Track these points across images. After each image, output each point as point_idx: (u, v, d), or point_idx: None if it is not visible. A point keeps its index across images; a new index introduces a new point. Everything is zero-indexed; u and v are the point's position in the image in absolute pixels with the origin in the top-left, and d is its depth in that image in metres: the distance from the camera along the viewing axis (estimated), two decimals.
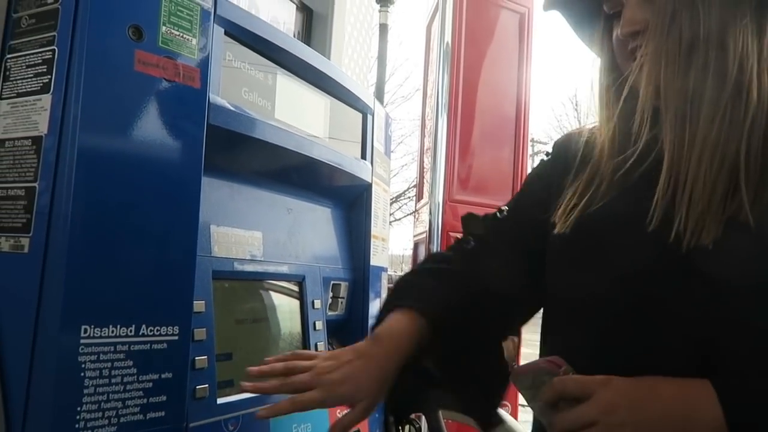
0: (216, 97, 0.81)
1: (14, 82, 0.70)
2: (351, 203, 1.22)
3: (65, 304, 0.61)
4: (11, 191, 0.67)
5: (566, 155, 0.79)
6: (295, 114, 1.00)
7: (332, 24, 2.15)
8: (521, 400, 2.38)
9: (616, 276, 0.67)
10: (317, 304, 1.03)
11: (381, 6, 2.47)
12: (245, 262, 0.89)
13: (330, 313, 1.11)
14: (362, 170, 1.19)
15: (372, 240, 1.22)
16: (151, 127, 0.71)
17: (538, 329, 0.81)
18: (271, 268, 0.94)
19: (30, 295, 0.62)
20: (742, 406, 0.56)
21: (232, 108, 0.83)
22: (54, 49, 0.67)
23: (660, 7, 0.64)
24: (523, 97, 2.61)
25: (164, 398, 0.70)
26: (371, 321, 1.18)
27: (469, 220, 0.89)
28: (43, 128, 0.66)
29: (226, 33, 0.84)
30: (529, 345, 1.05)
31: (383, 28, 2.45)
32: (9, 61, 0.71)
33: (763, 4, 0.63)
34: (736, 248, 0.60)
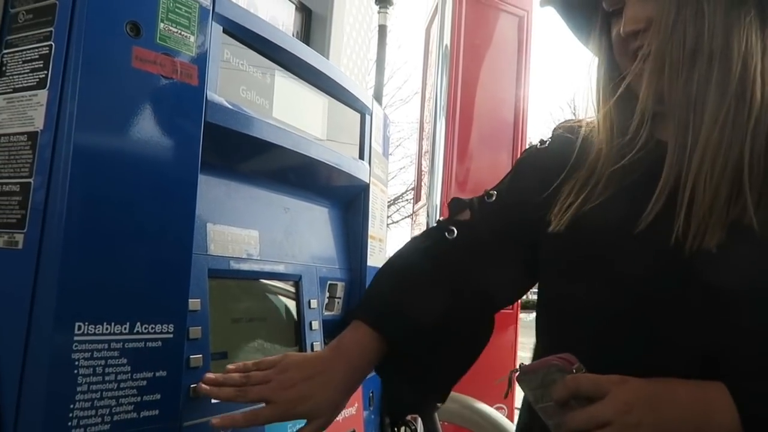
0: (213, 94, 0.81)
1: (10, 77, 0.69)
2: (348, 203, 1.22)
3: (59, 301, 0.61)
4: (6, 187, 0.66)
5: (563, 149, 0.78)
6: (293, 113, 1.00)
7: (331, 25, 2.15)
8: (518, 403, 2.37)
9: (615, 280, 0.66)
10: (313, 303, 1.03)
11: (380, 7, 2.47)
12: (241, 261, 0.89)
13: (326, 313, 1.11)
14: (360, 170, 1.19)
15: (369, 240, 1.22)
16: (148, 124, 0.71)
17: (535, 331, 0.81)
18: (267, 267, 0.94)
19: (24, 292, 0.62)
20: (757, 408, 0.56)
21: (229, 106, 0.83)
22: (51, 45, 0.66)
23: (663, 4, 0.63)
24: (521, 100, 2.61)
25: (158, 397, 0.69)
26: None
27: (454, 205, 0.87)
28: (39, 124, 0.65)
29: (224, 31, 0.84)
30: (525, 349, 1.04)
31: (382, 30, 2.46)
32: (5, 56, 0.70)
33: (764, 1, 0.62)
34: (740, 252, 0.59)
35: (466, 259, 0.81)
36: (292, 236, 1.02)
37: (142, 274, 0.69)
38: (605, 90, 0.74)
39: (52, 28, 0.67)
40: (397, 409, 1.25)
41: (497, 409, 1.85)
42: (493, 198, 0.84)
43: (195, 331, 0.76)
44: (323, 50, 2.12)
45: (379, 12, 2.52)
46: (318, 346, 1.01)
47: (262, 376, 0.73)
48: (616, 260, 0.66)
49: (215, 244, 0.84)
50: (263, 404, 0.72)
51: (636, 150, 0.67)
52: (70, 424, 0.61)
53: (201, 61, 0.77)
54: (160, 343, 0.70)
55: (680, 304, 0.61)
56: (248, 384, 0.72)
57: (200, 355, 0.76)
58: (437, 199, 2.45)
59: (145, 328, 0.69)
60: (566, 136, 0.80)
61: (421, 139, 2.89)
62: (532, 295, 0.87)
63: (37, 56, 0.67)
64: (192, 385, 0.74)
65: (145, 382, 0.68)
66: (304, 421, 0.73)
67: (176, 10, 0.75)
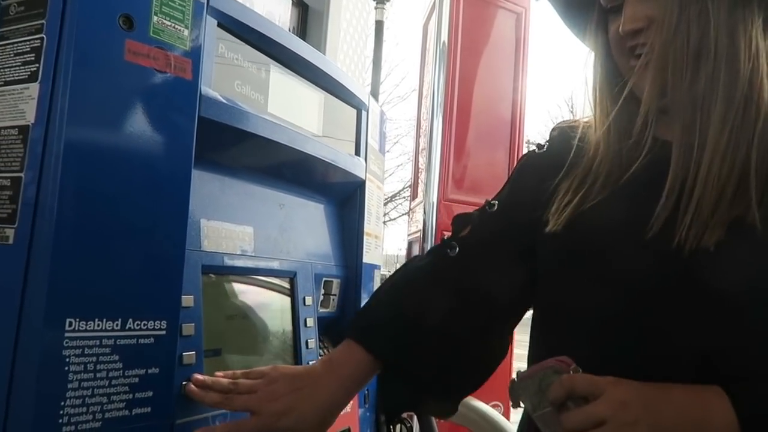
0: (208, 89, 0.80)
1: (1, 70, 0.68)
2: (344, 200, 1.22)
3: (50, 296, 0.60)
4: None
5: (561, 150, 0.77)
6: (289, 109, 0.99)
7: (328, 20, 2.14)
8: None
9: (613, 280, 0.65)
10: (308, 300, 1.02)
11: (377, 3, 2.46)
12: (235, 257, 0.88)
13: (321, 310, 1.10)
14: (356, 167, 1.18)
15: (365, 237, 1.21)
16: (140, 118, 0.70)
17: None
18: (261, 264, 0.93)
19: (14, 287, 0.61)
20: (755, 411, 0.55)
21: (224, 101, 0.82)
22: (42, 38, 0.65)
23: (666, 4, 0.62)
24: (519, 97, 2.61)
25: (150, 394, 0.69)
26: None
27: (457, 222, 0.87)
28: (30, 117, 0.65)
29: (219, 25, 0.83)
30: (521, 346, 1.04)
31: (379, 26, 2.45)
32: None
33: None
34: (740, 250, 0.58)
35: (468, 265, 0.80)
36: (287, 232, 1.01)
37: (134, 269, 0.68)
38: (602, 87, 0.73)
39: (43, 21, 0.66)
40: (392, 408, 1.25)
41: (493, 406, 1.85)
42: (495, 207, 0.83)
43: (188, 328, 0.76)
44: (320, 46, 2.12)
45: (376, 8, 2.51)
46: (312, 343, 1.01)
47: (250, 386, 0.72)
48: (614, 260, 0.65)
49: (209, 240, 0.83)
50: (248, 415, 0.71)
51: (645, 153, 0.66)
52: (60, 421, 0.60)
53: (195, 55, 0.76)
54: (152, 339, 0.70)
55: (679, 304, 0.60)
56: (234, 392, 0.71)
57: (193, 352, 0.76)
58: (434, 196, 2.44)
59: (137, 325, 0.68)
60: (564, 136, 0.80)
61: (418, 136, 2.88)
62: None
63: (28, 49, 0.66)
64: (184, 383, 0.74)
65: (137, 380, 0.68)
66: None
67: (170, 3, 0.74)
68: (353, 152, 1.20)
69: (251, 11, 0.89)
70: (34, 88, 0.65)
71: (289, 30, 2.08)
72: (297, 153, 0.98)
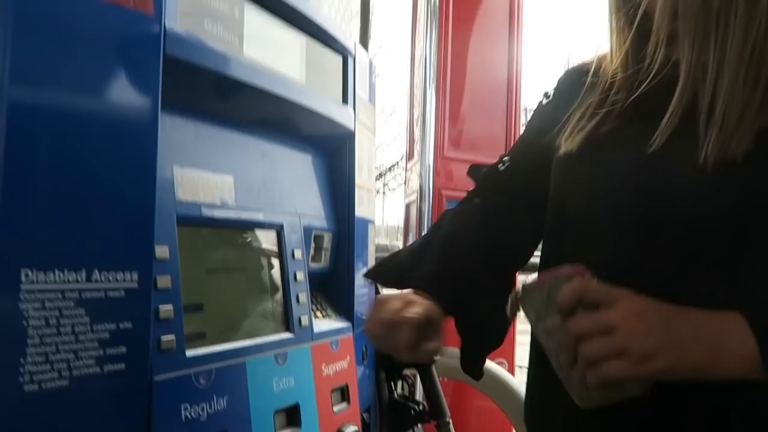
0: (173, 25, 0.73)
1: None
2: (333, 151, 1.15)
3: (1, 245, 0.55)
4: None
5: (572, 87, 0.76)
6: (267, 52, 0.92)
7: None
8: (518, 360, 2.34)
9: (630, 200, 0.62)
10: (297, 254, 0.97)
11: None
12: (215, 208, 0.82)
13: (313, 264, 1.05)
14: (344, 116, 1.11)
15: (357, 190, 1.15)
16: (98, 54, 0.64)
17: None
18: (244, 215, 0.88)
19: None
20: None
21: (191, 38, 0.76)
22: None
23: None
24: (515, 61, 2.51)
25: (124, 350, 0.64)
26: (359, 273, 1.13)
27: (473, 172, 0.88)
28: None
29: None
30: (524, 333, 1.01)
31: None
32: None
33: None
34: None
35: (490, 209, 0.82)
36: (272, 184, 0.96)
37: (96, 218, 0.63)
38: (617, 13, 0.70)
39: None
40: (393, 362, 1.21)
41: (498, 363, 1.82)
42: (507, 163, 0.84)
43: (164, 281, 0.71)
44: None
45: None
46: (304, 297, 0.96)
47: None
48: (632, 179, 0.62)
49: (184, 189, 0.78)
50: None
51: (654, 74, 0.63)
52: (21, 379, 0.55)
53: None
54: (123, 293, 0.65)
55: (702, 222, 0.57)
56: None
57: (170, 306, 0.71)
58: (430, 157, 2.37)
59: (105, 277, 0.63)
60: (572, 77, 0.79)
61: (411, 105, 2.80)
62: (533, 258, 0.84)
63: None
64: (162, 338, 0.69)
65: (107, 335, 0.63)
66: None
67: None
68: (340, 101, 1.13)
69: None
70: None
71: None
72: (278, 99, 0.92)
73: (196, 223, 0.80)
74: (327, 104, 1.05)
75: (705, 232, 0.57)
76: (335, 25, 1.10)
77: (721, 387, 0.53)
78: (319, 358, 0.95)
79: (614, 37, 0.71)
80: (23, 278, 0.56)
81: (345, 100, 1.14)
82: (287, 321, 0.92)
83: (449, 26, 2.38)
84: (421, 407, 1.17)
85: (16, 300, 0.55)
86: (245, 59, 0.86)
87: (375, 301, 0.69)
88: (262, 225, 0.92)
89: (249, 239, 0.90)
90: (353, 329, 1.08)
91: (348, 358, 1.03)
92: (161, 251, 0.71)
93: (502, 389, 1.70)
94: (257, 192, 0.92)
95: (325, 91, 1.08)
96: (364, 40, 2.33)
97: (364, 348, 1.12)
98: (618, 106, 0.67)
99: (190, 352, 0.73)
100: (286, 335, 0.90)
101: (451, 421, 1.15)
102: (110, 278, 0.64)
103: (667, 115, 0.60)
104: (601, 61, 0.74)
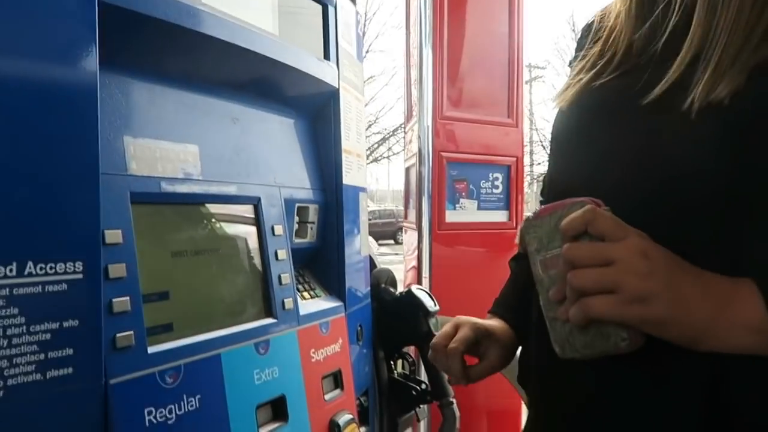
0: None
1: None
2: (316, 113, 1.04)
3: None
4: None
5: (580, 47, 0.72)
6: (230, 1, 0.81)
7: None
8: None
9: (618, 152, 0.57)
10: (278, 230, 0.88)
11: None
12: (177, 182, 0.72)
13: (297, 240, 0.95)
14: (325, 73, 1.00)
15: (344, 156, 1.05)
16: (17, 4, 0.53)
17: None
18: (213, 189, 0.78)
19: None
20: None
21: None
22: None
23: None
24: (515, 16, 2.37)
25: (71, 351, 0.55)
26: (350, 246, 1.03)
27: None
28: None
29: None
30: None
31: None
32: None
33: None
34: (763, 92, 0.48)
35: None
36: (245, 152, 0.85)
37: (27, 201, 0.53)
38: None
39: None
40: (394, 340, 1.13)
41: None
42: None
43: (117, 269, 0.61)
44: None
45: None
46: (287, 278, 0.86)
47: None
48: (620, 128, 0.58)
49: (138, 161, 0.68)
50: None
51: (660, 21, 0.58)
52: None
53: None
54: (65, 286, 0.55)
55: (691, 179, 0.51)
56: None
57: (126, 298, 0.62)
58: (428, 120, 2.26)
59: (41, 269, 0.54)
60: (582, 32, 0.75)
61: (408, 66, 2.65)
62: None
63: None
64: (118, 334, 0.60)
65: (48, 335, 0.54)
66: None
67: None
68: (321, 56, 1.01)
69: None
70: None
71: None
72: (245, 53, 0.80)
73: (155, 200, 0.70)
74: (304, 59, 0.93)
75: (695, 191, 0.51)
76: None
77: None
78: (306, 343, 0.87)
79: None
80: None
81: (327, 55, 1.03)
82: (268, 305, 0.83)
83: None
84: (423, 386, 1.09)
85: None
86: (204, 6, 0.75)
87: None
88: (235, 199, 0.82)
89: (220, 216, 0.80)
90: (345, 308, 0.99)
91: (340, 340, 0.95)
92: (112, 235, 0.62)
93: None
94: (228, 162, 0.82)
95: (303, 44, 0.96)
96: None
97: (358, 327, 1.03)
98: (619, 56, 0.63)
99: (152, 348, 0.64)
100: (268, 321, 0.81)
101: (455, 400, 1.07)
102: (48, 270, 0.54)
103: (678, 60, 0.54)
104: (605, 12, 0.70)
